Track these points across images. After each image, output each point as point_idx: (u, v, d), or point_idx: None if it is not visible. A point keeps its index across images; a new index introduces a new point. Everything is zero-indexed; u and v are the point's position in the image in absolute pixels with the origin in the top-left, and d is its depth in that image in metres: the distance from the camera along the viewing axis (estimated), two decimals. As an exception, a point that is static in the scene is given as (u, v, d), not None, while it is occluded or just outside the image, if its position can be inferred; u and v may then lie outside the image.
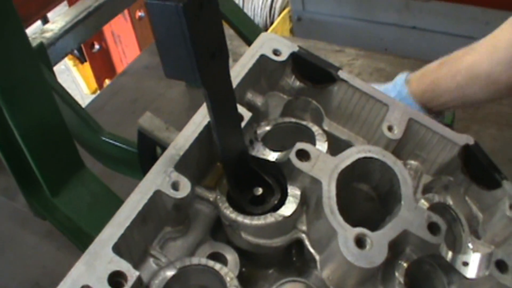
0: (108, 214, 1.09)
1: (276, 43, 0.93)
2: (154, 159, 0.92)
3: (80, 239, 1.17)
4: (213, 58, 0.65)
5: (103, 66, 2.85)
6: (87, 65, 2.94)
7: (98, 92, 2.99)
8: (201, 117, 0.81)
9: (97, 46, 2.76)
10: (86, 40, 2.22)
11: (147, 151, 0.95)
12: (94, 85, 3.10)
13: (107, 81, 2.87)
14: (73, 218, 1.12)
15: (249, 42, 1.73)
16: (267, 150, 0.82)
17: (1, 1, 0.88)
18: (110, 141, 1.36)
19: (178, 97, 1.98)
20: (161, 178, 0.73)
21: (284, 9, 3.05)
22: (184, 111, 1.89)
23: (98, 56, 2.82)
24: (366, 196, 0.83)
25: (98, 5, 1.62)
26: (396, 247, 0.74)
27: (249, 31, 1.74)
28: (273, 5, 3.11)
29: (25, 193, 1.18)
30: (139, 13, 2.64)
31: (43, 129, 1.03)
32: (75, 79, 3.23)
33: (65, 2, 2.30)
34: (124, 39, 2.71)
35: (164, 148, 0.88)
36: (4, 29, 0.90)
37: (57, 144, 1.08)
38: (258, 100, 0.90)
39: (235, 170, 0.78)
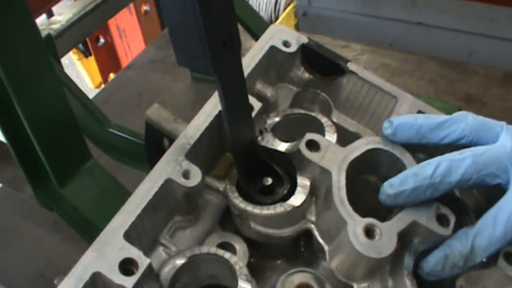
0: (114, 205, 1.09)
1: (285, 34, 0.93)
2: (161, 151, 0.92)
3: (86, 230, 1.17)
4: (225, 46, 0.66)
5: (108, 60, 2.85)
6: (91, 59, 2.94)
7: (103, 86, 3.00)
8: (212, 107, 0.82)
9: (102, 40, 2.75)
10: (92, 32, 2.23)
11: (154, 142, 0.95)
12: (98, 79, 3.10)
13: (111, 75, 2.86)
14: (80, 209, 1.12)
15: (255, 36, 1.73)
16: (277, 140, 0.83)
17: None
18: (117, 133, 1.36)
19: (183, 90, 1.98)
20: (172, 167, 0.74)
21: (289, 4, 3.05)
22: (189, 105, 1.88)
23: (103, 50, 2.82)
24: (374, 187, 0.83)
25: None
26: (404, 238, 0.75)
27: (256, 26, 1.74)
28: (278, 0, 3.12)
29: (33, 184, 1.18)
30: (145, 7, 2.64)
31: (52, 120, 1.03)
32: (79, 74, 3.23)
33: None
34: (129, 33, 2.70)
35: (171, 139, 0.88)
36: (14, 19, 0.90)
37: (66, 135, 1.08)
38: (268, 91, 0.90)
39: (245, 160, 0.78)
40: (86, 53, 2.95)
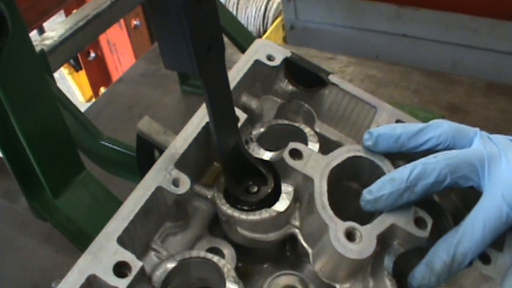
0: (107, 215, 1.12)
1: (269, 49, 0.97)
2: (152, 162, 0.96)
3: (80, 240, 1.19)
4: (210, 50, 0.69)
5: (98, 74, 2.88)
6: (82, 73, 2.97)
7: (93, 100, 3.02)
8: (199, 119, 0.85)
9: (92, 54, 2.79)
10: (84, 48, 2.25)
11: (145, 154, 0.98)
12: (89, 93, 3.13)
13: (102, 89, 2.90)
14: (74, 219, 1.15)
15: (243, 50, 1.77)
16: (262, 150, 0.86)
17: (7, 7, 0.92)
18: (109, 145, 1.39)
19: (173, 104, 2.01)
20: (162, 175, 0.78)
21: (277, 17, 3.10)
22: (179, 118, 1.91)
23: (94, 64, 2.85)
24: (356, 194, 0.87)
25: (97, 14, 1.65)
26: (384, 241, 0.78)
27: (243, 39, 1.78)
28: (266, 14, 3.16)
29: (27, 195, 1.21)
30: (135, 22, 2.68)
31: (46, 132, 1.06)
32: (70, 88, 3.26)
33: (61, 13, 2.34)
34: (119, 48, 2.74)
35: (162, 151, 0.92)
36: (11, 35, 0.94)
37: (60, 147, 1.11)
38: (253, 103, 0.94)
39: (230, 161, 0.81)
40: (76, 67, 2.99)
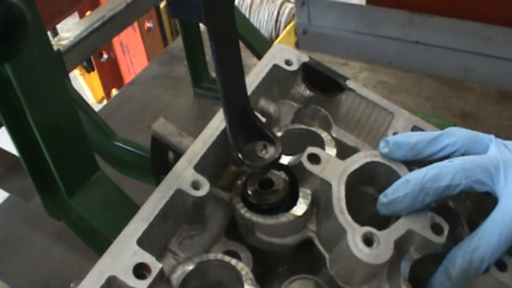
0: (121, 215, 1.14)
1: (288, 53, 0.98)
2: (166, 163, 0.96)
3: (93, 239, 1.20)
4: None
5: (110, 75, 2.90)
6: (93, 74, 2.98)
7: (105, 101, 3.04)
8: (218, 122, 0.86)
9: (105, 56, 2.80)
10: (99, 48, 2.26)
11: (160, 155, 0.98)
12: (101, 94, 3.14)
13: (114, 91, 2.91)
14: (87, 218, 1.15)
15: (257, 54, 1.77)
16: (280, 154, 0.87)
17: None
18: (123, 146, 1.40)
19: (186, 106, 2.01)
20: (181, 178, 0.78)
21: (289, 22, 3.10)
22: (191, 120, 1.92)
23: (106, 66, 2.86)
24: (372, 199, 0.87)
25: (112, 15, 1.67)
26: (401, 246, 0.79)
27: (257, 43, 1.78)
28: (279, 18, 3.16)
29: (41, 194, 1.22)
30: (148, 24, 2.69)
31: (62, 131, 1.07)
32: (82, 88, 3.27)
33: (75, 14, 2.35)
34: (132, 49, 2.76)
35: (176, 152, 0.92)
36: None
37: (75, 146, 1.11)
38: (271, 107, 0.94)
39: (236, 122, 0.80)
40: (88, 68, 3.00)
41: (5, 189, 1.41)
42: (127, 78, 2.87)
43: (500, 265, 0.80)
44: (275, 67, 0.96)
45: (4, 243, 1.57)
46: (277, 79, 0.97)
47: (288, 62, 0.97)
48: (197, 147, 0.83)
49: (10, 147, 1.29)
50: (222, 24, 0.72)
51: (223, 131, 0.85)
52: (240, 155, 0.79)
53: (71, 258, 1.50)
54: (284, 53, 0.97)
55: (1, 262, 1.52)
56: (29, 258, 1.53)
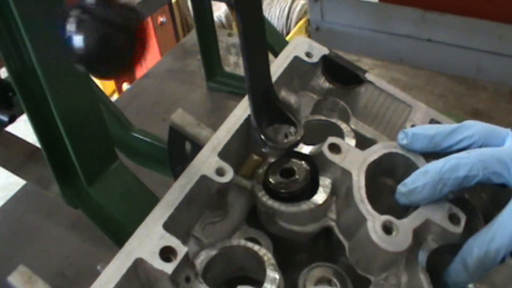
0: (139, 204, 1.15)
1: (308, 46, 0.99)
2: (183, 154, 0.98)
3: (110, 228, 1.21)
4: None
5: (122, 69, 2.89)
6: (105, 68, 2.98)
7: (115, 95, 3.04)
8: (242, 111, 0.87)
9: (117, 50, 2.80)
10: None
11: (177, 146, 1.00)
12: (111, 87, 3.15)
13: (125, 85, 2.91)
14: (106, 207, 1.17)
15: (272, 50, 1.78)
16: (301, 144, 0.88)
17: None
18: (140, 137, 1.42)
19: (199, 100, 2.03)
20: (206, 164, 0.80)
21: (300, 19, 3.11)
22: (205, 114, 1.94)
23: (118, 59, 2.86)
24: (390, 190, 0.88)
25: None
26: (418, 236, 0.80)
27: (273, 40, 1.79)
28: (290, 16, 3.18)
29: (60, 182, 1.23)
30: (161, 19, 2.70)
31: (83, 119, 1.08)
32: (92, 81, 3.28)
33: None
34: (144, 44, 2.75)
35: (194, 143, 0.94)
36: (52, 22, 0.95)
37: (96, 134, 1.13)
38: (292, 99, 0.96)
39: (259, 103, 0.82)
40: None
41: (24, 178, 1.42)
42: (139, 72, 2.88)
43: None
44: (296, 59, 0.97)
45: (19, 232, 1.59)
46: (297, 71, 0.98)
47: (308, 55, 0.98)
48: (221, 135, 0.84)
49: (28, 137, 1.31)
50: (249, 3, 0.73)
51: (246, 120, 0.86)
52: (263, 137, 0.80)
53: (85, 248, 1.52)
54: (305, 45, 0.99)
55: (16, 250, 1.54)
56: (44, 247, 1.54)
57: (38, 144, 1.16)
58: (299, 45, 0.99)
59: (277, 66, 0.95)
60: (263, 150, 0.84)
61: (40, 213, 1.63)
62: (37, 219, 1.62)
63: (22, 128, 1.35)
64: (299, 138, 0.83)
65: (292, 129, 0.85)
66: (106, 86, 3.23)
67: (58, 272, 1.48)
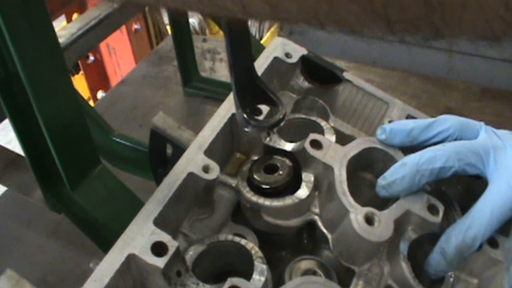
0: (122, 207, 1.16)
1: (287, 47, 1.02)
2: (164, 157, 1.00)
3: (94, 231, 1.23)
4: None
5: (97, 77, 2.88)
6: (78, 77, 2.97)
7: (90, 102, 3.03)
8: (225, 110, 0.90)
9: (91, 58, 2.80)
10: (93, 48, 2.25)
11: (158, 149, 1.02)
12: (86, 96, 3.13)
13: (100, 93, 2.90)
14: (90, 211, 1.17)
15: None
16: (283, 141, 0.91)
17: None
18: (121, 141, 1.43)
19: (176, 105, 2.04)
20: (193, 162, 0.82)
21: (273, 24, 3.14)
22: (182, 119, 1.94)
23: (93, 68, 2.85)
24: (370, 184, 0.91)
25: (103, 17, 1.69)
26: (399, 227, 0.83)
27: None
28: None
29: (43, 188, 1.24)
30: (135, 26, 2.69)
31: (67, 124, 1.09)
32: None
33: (62, 18, 2.35)
34: (119, 51, 2.75)
35: (175, 145, 0.95)
36: (37, 29, 0.97)
37: (79, 139, 1.14)
38: (272, 98, 0.98)
39: (241, 83, 0.81)
40: (73, 71, 2.99)
41: (5, 184, 1.43)
42: (114, 80, 2.87)
43: (492, 243, 0.86)
44: (276, 59, 1.00)
45: (-1, 240, 1.59)
46: (277, 71, 1.01)
47: (288, 55, 1.01)
48: (206, 134, 0.87)
49: (8, 144, 1.32)
50: None
51: (230, 119, 0.89)
52: (245, 116, 0.82)
53: (67, 254, 1.52)
54: (284, 46, 1.02)
55: (-2, 257, 1.54)
56: (25, 255, 1.54)
57: (18, 151, 1.17)
58: (279, 46, 1.02)
59: (258, 66, 0.97)
60: (246, 129, 0.83)
61: (20, 220, 1.62)
62: (17, 226, 1.62)
63: (1, 136, 1.36)
64: (281, 116, 0.83)
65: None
66: (82, 94, 3.21)
67: (40, 278, 1.48)
